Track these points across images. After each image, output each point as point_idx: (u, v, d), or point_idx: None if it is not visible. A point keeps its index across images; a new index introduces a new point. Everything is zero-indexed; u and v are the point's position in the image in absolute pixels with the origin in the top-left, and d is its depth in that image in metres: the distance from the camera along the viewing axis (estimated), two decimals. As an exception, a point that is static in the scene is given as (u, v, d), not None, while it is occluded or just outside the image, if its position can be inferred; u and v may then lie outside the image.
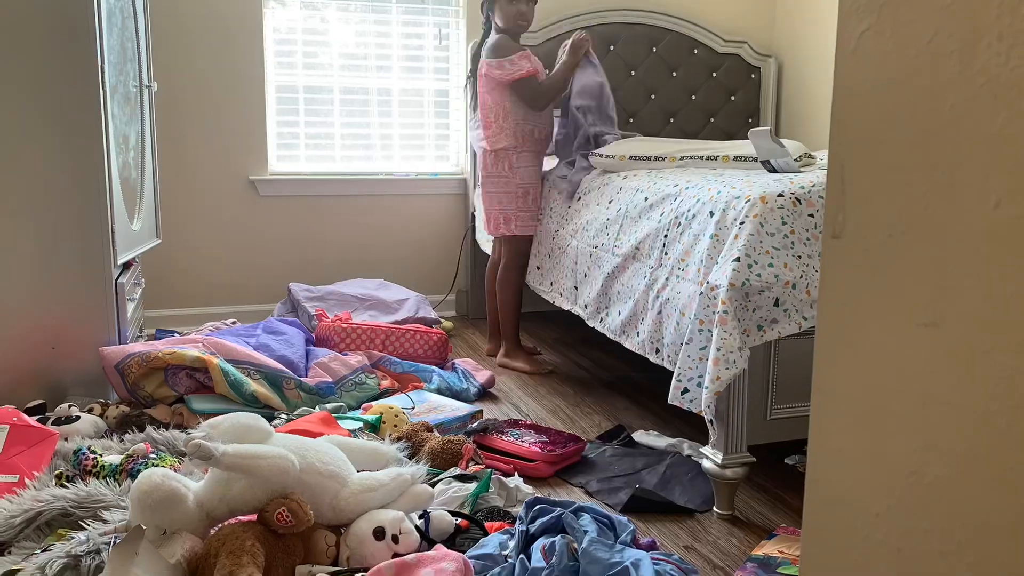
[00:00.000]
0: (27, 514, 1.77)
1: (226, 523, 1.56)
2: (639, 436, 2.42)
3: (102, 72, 2.44)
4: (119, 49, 2.67)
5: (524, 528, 1.64)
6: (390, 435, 2.18)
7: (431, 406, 2.48)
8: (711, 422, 1.91)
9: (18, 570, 1.51)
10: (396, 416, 2.31)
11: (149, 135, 3.05)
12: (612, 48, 4.11)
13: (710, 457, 1.95)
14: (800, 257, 1.93)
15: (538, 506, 1.71)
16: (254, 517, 1.55)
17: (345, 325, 3.06)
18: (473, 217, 3.95)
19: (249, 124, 3.75)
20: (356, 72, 3.93)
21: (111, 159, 2.50)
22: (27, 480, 1.96)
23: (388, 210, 4.01)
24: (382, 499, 1.67)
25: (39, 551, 1.63)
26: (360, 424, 2.25)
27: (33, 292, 2.46)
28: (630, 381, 2.98)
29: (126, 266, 2.74)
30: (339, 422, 2.22)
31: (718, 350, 1.83)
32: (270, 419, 2.26)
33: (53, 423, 2.21)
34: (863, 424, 0.52)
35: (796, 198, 1.97)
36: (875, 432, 0.52)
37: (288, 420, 2.27)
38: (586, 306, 2.69)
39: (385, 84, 3.98)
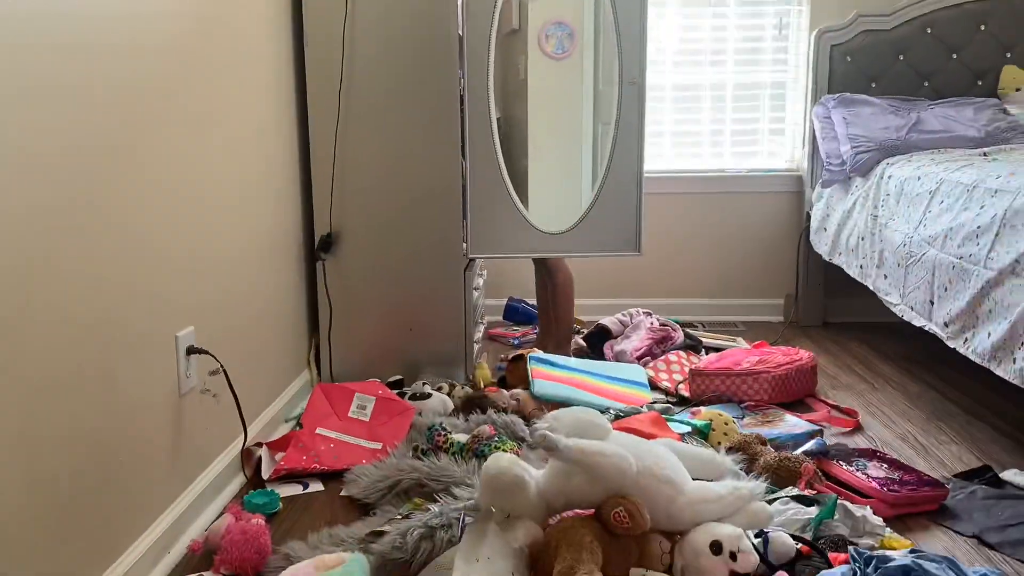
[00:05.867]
0: (389, 480, 1.97)
1: (564, 515, 1.60)
2: (1010, 476, 2.10)
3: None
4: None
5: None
6: (721, 444, 2.10)
7: (763, 418, 2.36)
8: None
9: (384, 532, 1.68)
10: (726, 424, 2.23)
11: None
12: (983, 28, 3.61)
13: (1116, 515, 1.63)
14: None
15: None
16: (589, 512, 1.57)
17: (731, 376, 2.63)
18: (808, 216, 3.71)
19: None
20: (689, 68, 3.87)
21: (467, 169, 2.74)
22: (388, 449, 2.19)
23: (717, 208, 3.89)
24: (719, 512, 1.60)
25: (399, 516, 1.80)
26: (689, 428, 2.20)
27: (398, 281, 2.76)
28: (998, 411, 2.60)
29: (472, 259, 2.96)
30: (668, 424, 2.19)
31: None
32: (602, 411, 2.29)
33: (409, 398, 2.43)
34: None
35: None
36: None
37: (617, 416, 2.28)
38: (946, 324, 2.39)
39: (719, 79, 3.87)
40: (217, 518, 1.82)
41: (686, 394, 2.69)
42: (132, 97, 1.60)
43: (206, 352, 1.88)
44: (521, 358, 2.73)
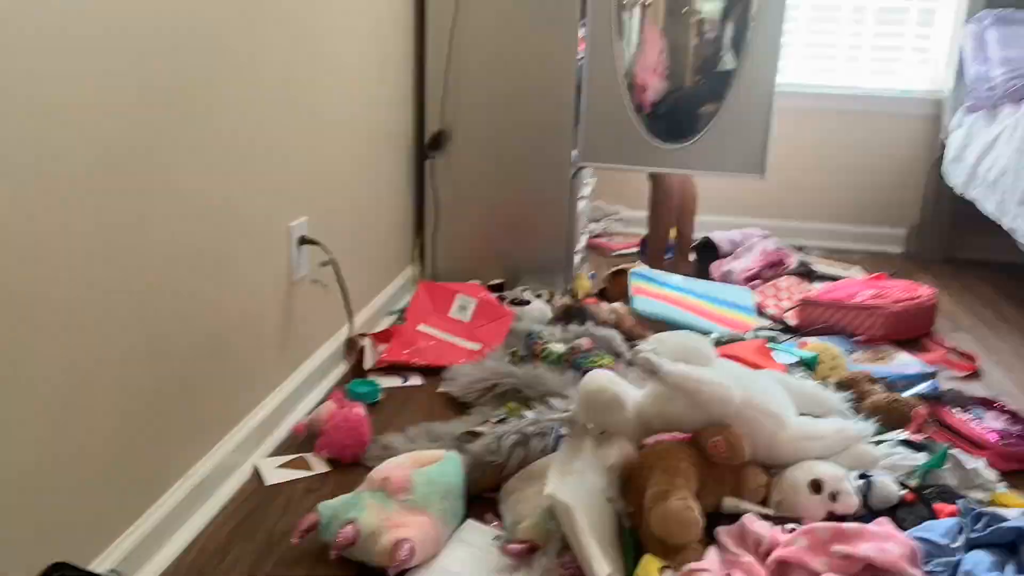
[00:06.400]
0: (487, 382, 1.99)
1: (659, 438, 1.58)
2: None
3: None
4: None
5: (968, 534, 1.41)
6: (828, 379, 2.03)
7: (874, 355, 2.26)
8: None
9: (479, 433, 1.70)
10: (834, 359, 2.15)
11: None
12: None
13: None
14: None
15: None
16: (687, 436, 1.55)
17: (845, 308, 2.53)
18: (943, 145, 3.45)
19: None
20: (832, -27, 3.58)
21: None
22: (486, 351, 2.21)
23: (845, 127, 3.66)
24: (822, 450, 1.56)
25: (493, 419, 1.82)
26: (795, 359, 2.13)
27: (505, 184, 2.72)
28: None
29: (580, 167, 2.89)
30: (773, 353, 2.13)
31: None
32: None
33: (509, 303, 2.43)
34: None
35: None
36: None
37: (719, 342, 2.23)
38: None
39: (864, -12, 3.58)
40: (320, 403, 1.89)
41: (793, 323, 2.60)
42: (257, -19, 1.58)
43: (317, 243, 1.91)
44: (623, 272, 2.68)
